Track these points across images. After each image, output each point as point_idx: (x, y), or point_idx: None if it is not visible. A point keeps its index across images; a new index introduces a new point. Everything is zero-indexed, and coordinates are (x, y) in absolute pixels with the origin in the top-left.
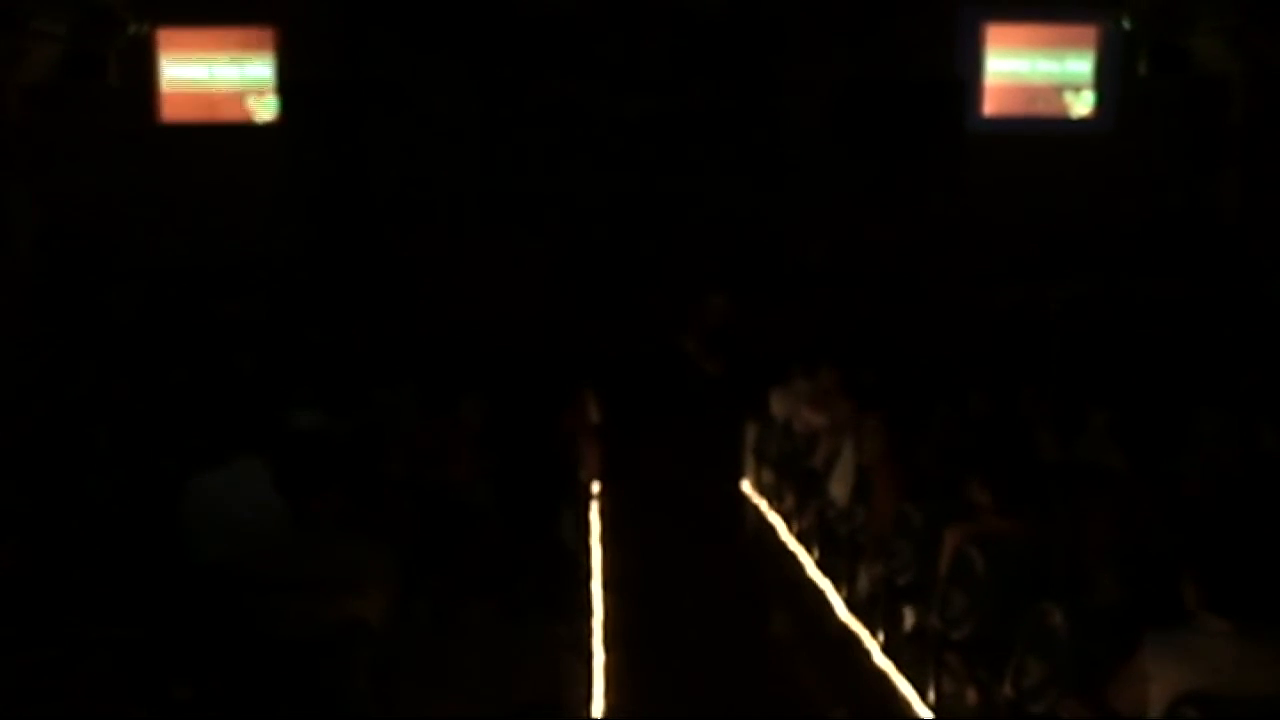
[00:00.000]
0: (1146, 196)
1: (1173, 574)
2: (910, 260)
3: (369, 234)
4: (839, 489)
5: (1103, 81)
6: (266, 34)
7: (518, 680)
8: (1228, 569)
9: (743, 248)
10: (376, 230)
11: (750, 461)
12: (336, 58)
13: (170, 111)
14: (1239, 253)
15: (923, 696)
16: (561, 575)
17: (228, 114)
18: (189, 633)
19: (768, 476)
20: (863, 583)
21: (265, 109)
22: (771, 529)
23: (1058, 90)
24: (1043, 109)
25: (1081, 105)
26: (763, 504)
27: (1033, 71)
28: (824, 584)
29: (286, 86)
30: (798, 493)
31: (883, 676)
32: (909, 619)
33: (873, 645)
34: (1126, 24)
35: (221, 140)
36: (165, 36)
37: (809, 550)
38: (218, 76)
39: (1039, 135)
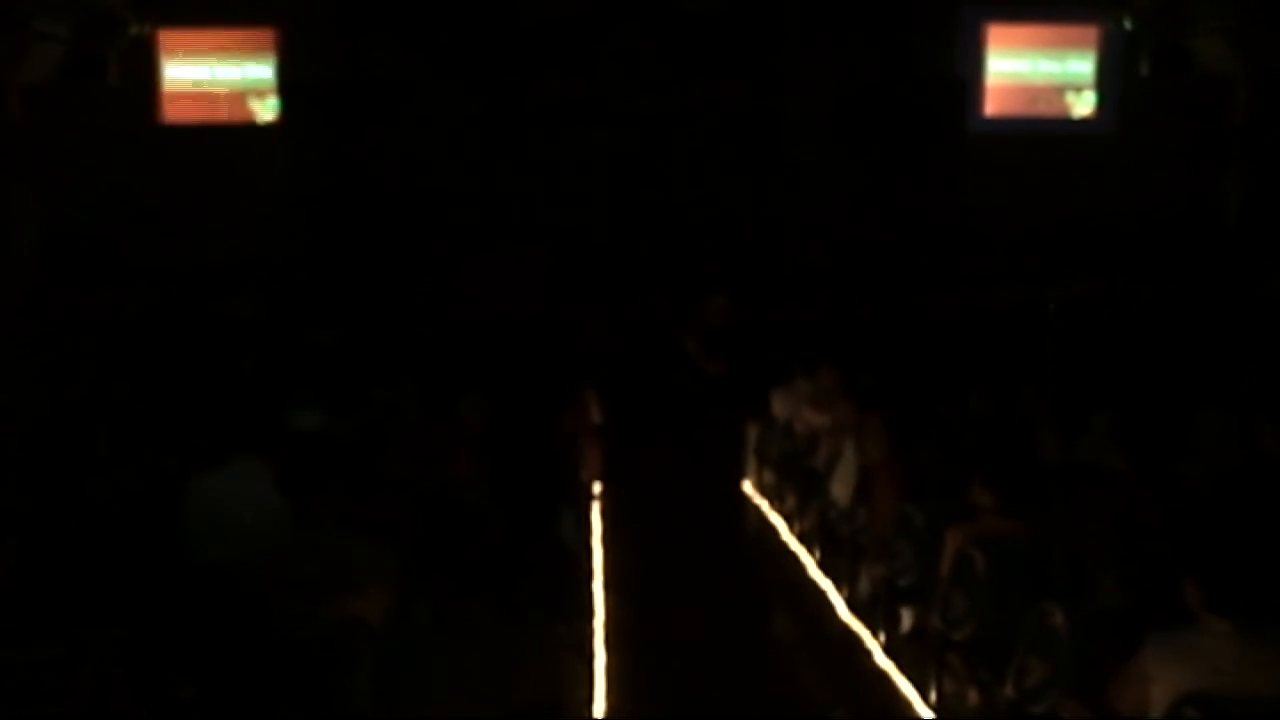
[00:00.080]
0: (1148, 197)
1: (1174, 575)
2: (911, 260)
3: (370, 234)
4: (840, 490)
5: (1104, 82)
6: (267, 35)
7: (518, 680)
8: (1229, 570)
9: (743, 248)
10: (377, 230)
11: (751, 462)
12: (337, 58)
13: (171, 112)
14: (1240, 253)
15: (924, 697)
16: (562, 575)
17: (229, 114)
18: (191, 633)
19: (769, 477)
20: (864, 583)
21: (266, 110)
22: (773, 529)
23: (1059, 91)
24: (1044, 109)
25: (1083, 106)
26: (764, 504)
27: (1034, 72)
28: (825, 585)
29: (287, 87)
30: (799, 493)
31: (884, 677)
32: (906, 621)
33: (874, 646)
34: (1128, 24)
35: (222, 141)
36: (166, 37)
37: (810, 551)
38: (218, 77)
39: (1040, 136)
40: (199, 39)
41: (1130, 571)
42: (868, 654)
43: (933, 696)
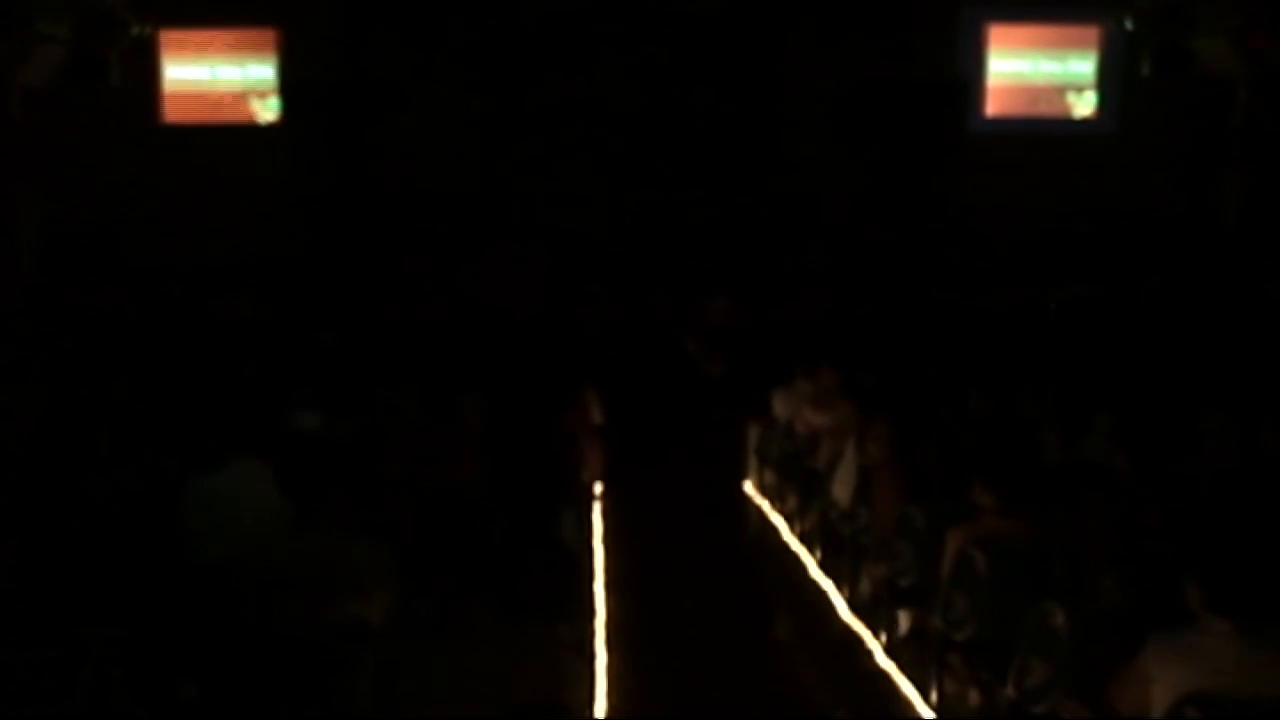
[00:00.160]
0: (1148, 197)
1: (1174, 575)
2: (912, 261)
3: (371, 234)
4: (841, 490)
5: (1105, 82)
6: (268, 35)
7: (519, 681)
8: (1230, 570)
9: (744, 248)
10: (378, 230)
11: (752, 462)
12: (338, 59)
13: (172, 112)
14: (1240, 253)
15: (925, 697)
16: (563, 576)
17: (230, 115)
18: (191, 633)
19: (770, 477)
20: (865, 584)
21: (267, 110)
22: (774, 530)
23: (1060, 91)
24: (1045, 109)
25: (1084, 106)
26: (765, 505)
27: (1035, 72)
28: (826, 585)
29: (288, 87)
30: (800, 494)
31: (885, 677)
32: (903, 623)
33: (875, 646)
34: (1129, 24)
35: (223, 141)
36: (167, 38)
37: (811, 551)
38: (220, 77)
39: (1041, 136)
40: (200, 39)
41: (1131, 572)
42: (869, 654)
43: (934, 697)
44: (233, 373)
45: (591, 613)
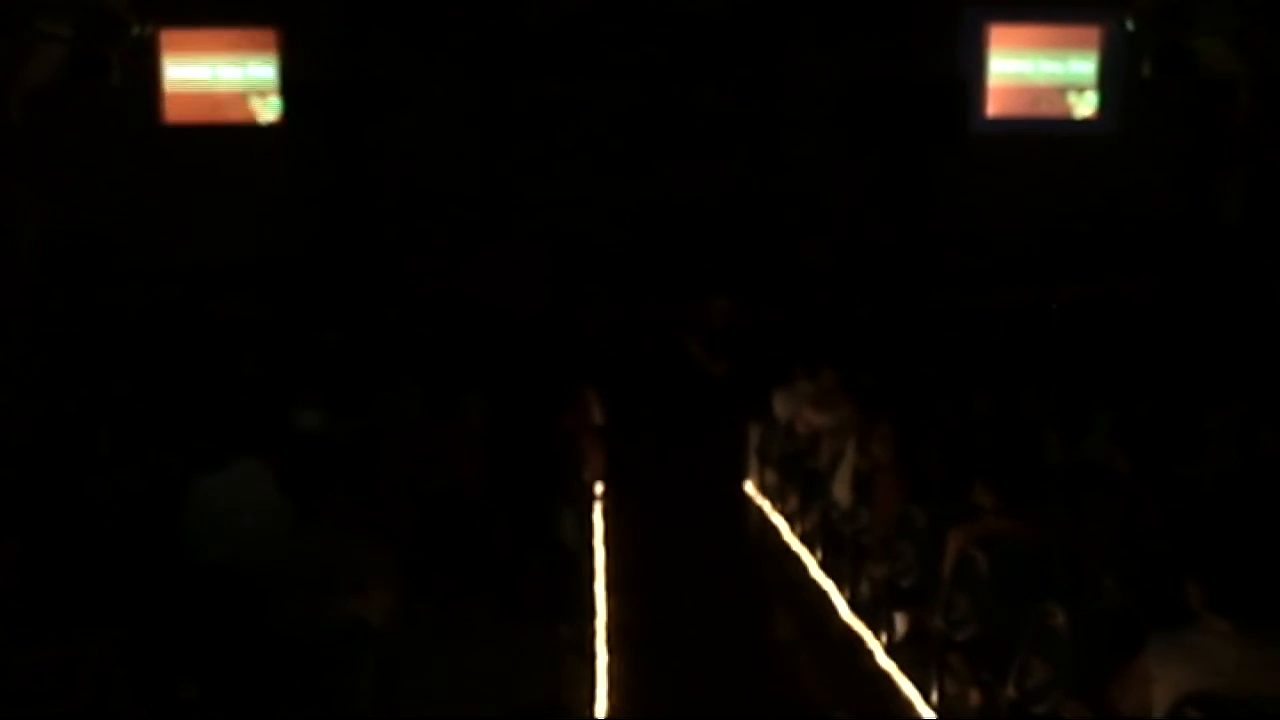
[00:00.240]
0: (1149, 197)
1: (1175, 575)
2: (913, 261)
3: (371, 234)
4: (842, 490)
5: (1106, 82)
6: (269, 35)
7: (520, 681)
8: (1231, 570)
9: (745, 248)
10: (379, 230)
11: (753, 463)
12: (339, 58)
13: (173, 112)
14: (1241, 254)
15: (926, 698)
16: (564, 576)
17: (231, 114)
18: (192, 633)
19: (771, 478)
20: (866, 584)
21: (268, 109)
22: (775, 530)
23: (1061, 91)
24: (1046, 110)
25: (1085, 106)
26: (766, 505)
27: (1036, 72)
28: (827, 585)
29: (289, 87)
30: (801, 494)
31: (886, 678)
32: (901, 625)
33: (876, 646)
34: (1130, 25)
35: (224, 141)
36: (168, 37)
37: (812, 552)
38: (220, 77)
39: (1042, 136)
40: (201, 39)
41: (1132, 572)
42: (869, 655)
43: (934, 697)
44: (233, 373)
45: (592, 613)
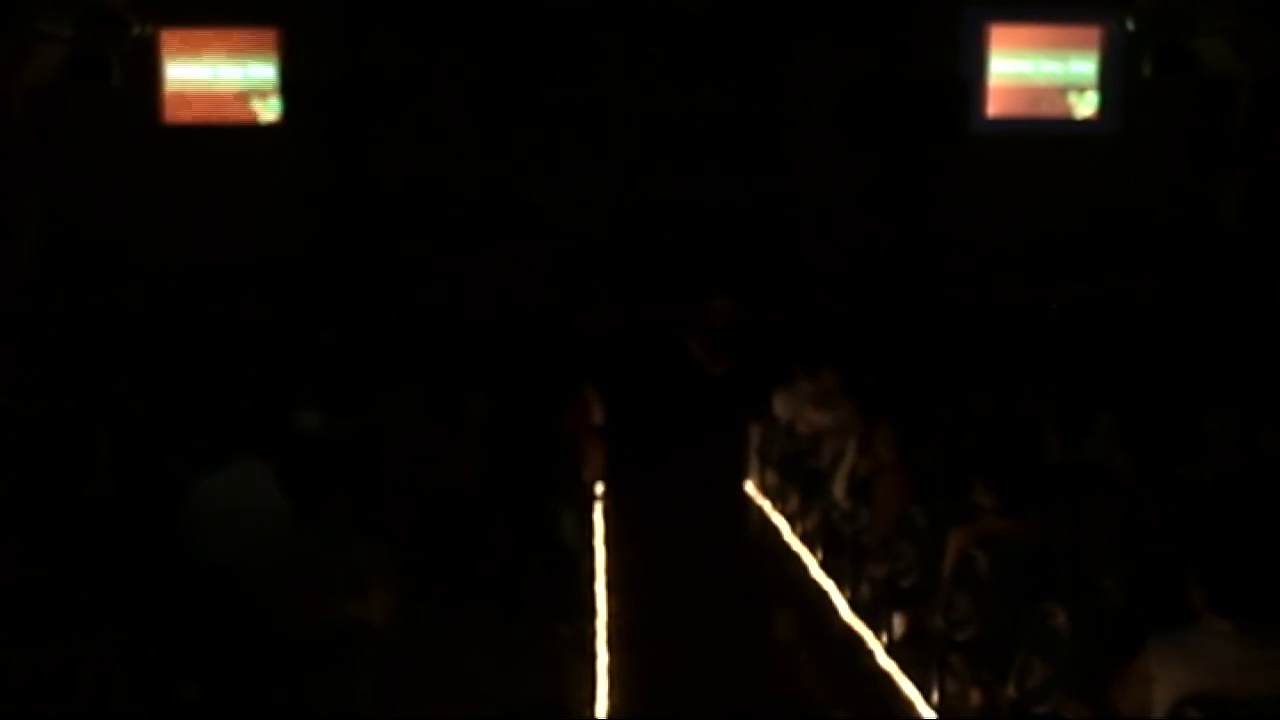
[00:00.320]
0: (1150, 198)
1: (1176, 575)
2: (914, 261)
3: (372, 234)
4: (842, 490)
5: (1106, 83)
6: (269, 35)
7: (520, 681)
8: (1232, 570)
9: (746, 249)
10: (379, 230)
11: (754, 463)
12: (339, 58)
13: (174, 112)
14: (1242, 254)
15: (926, 698)
16: (564, 576)
17: (231, 115)
18: (193, 633)
19: (771, 478)
20: (866, 585)
21: (268, 109)
22: (775, 530)
23: (1061, 91)
24: (1046, 110)
25: (1085, 106)
26: (766, 505)
27: (1036, 72)
28: (828, 585)
29: (290, 87)
30: (801, 494)
31: (886, 678)
32: (899, 626)
33: (876, 646)
34: (1130, 25)
35: (225, 141)
36: (169, 37)
37: (813, 552)
38: (221, 77)
39: (1043, 136)
40: (201, 39)
41: (1132, 572)
42: (870, 654)
43: (935, 697)
44: (234, 373)
45: (592, 613)
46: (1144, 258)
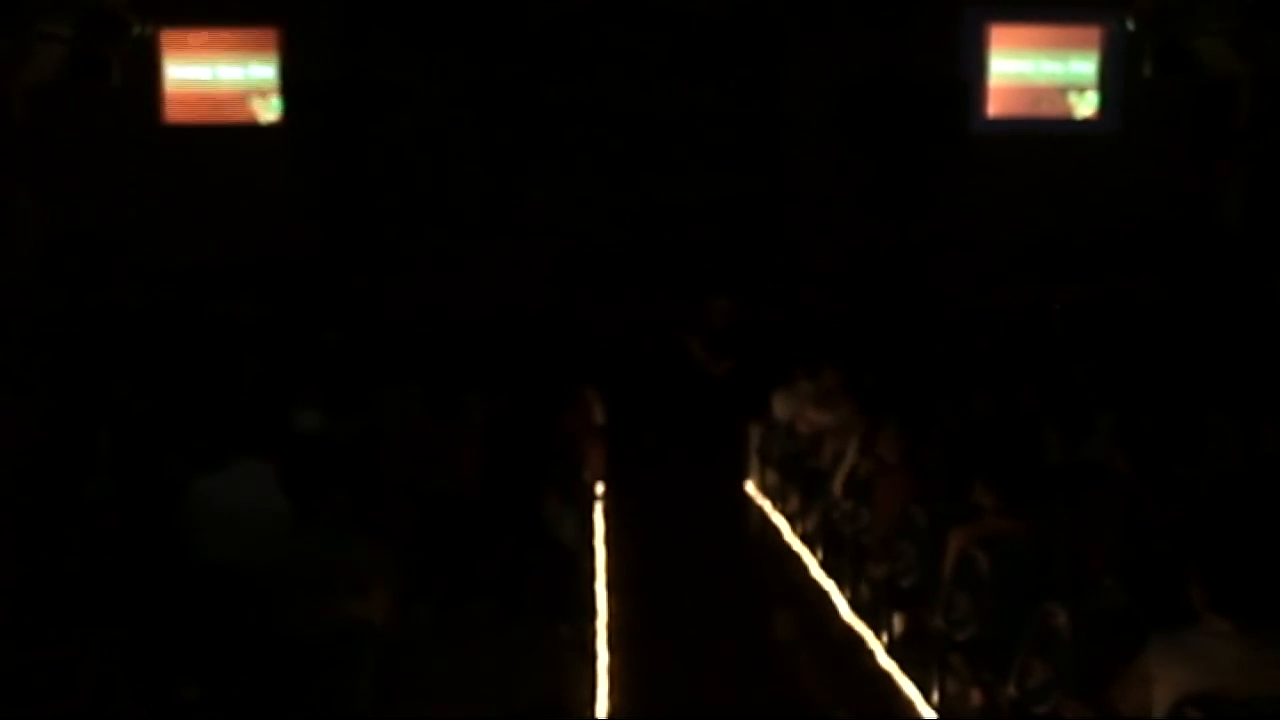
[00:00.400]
0: (1150, 198)
1: (1176, 575)
2: (914, 261)
3: (373, 234)
4: (841, 489)
5: (1107, 83)
6: (270, 34)
7: (520, 681)
8: (1232, 570)
9: (746, 248)
10: (379, 230)
11: (754, 463)
12: (340, 58)
13: (174, 112)
14: (1242, 254)
15: (927, 698)
16: (563, 576)
17: (231, 115)
18: (193, 634)
19: (771, 478)
20: (866, 585)
21: (269, 109)
22: (775, 530)
23: (1062, 91)
24: (1047, 110)
25: (1085, 106)
26: (767, 505)
27: (1036, 72)
28: (828, 585)
29: (290, 87)
30: (802, 494)
31: (887, 677)
32: (897, 626)
33: (877, 646)
34: (1130, 25)
35: (225, 141)
36: (169, 37)
37: (813, 552)
38: (221, 77)
39: (1043, 136)
40: (201, 39)
41: (1132, 572)
42: (870, 654)
43: (935, 697)
44: (234, 373)
45: (592, 613)
46: (1144, 258)
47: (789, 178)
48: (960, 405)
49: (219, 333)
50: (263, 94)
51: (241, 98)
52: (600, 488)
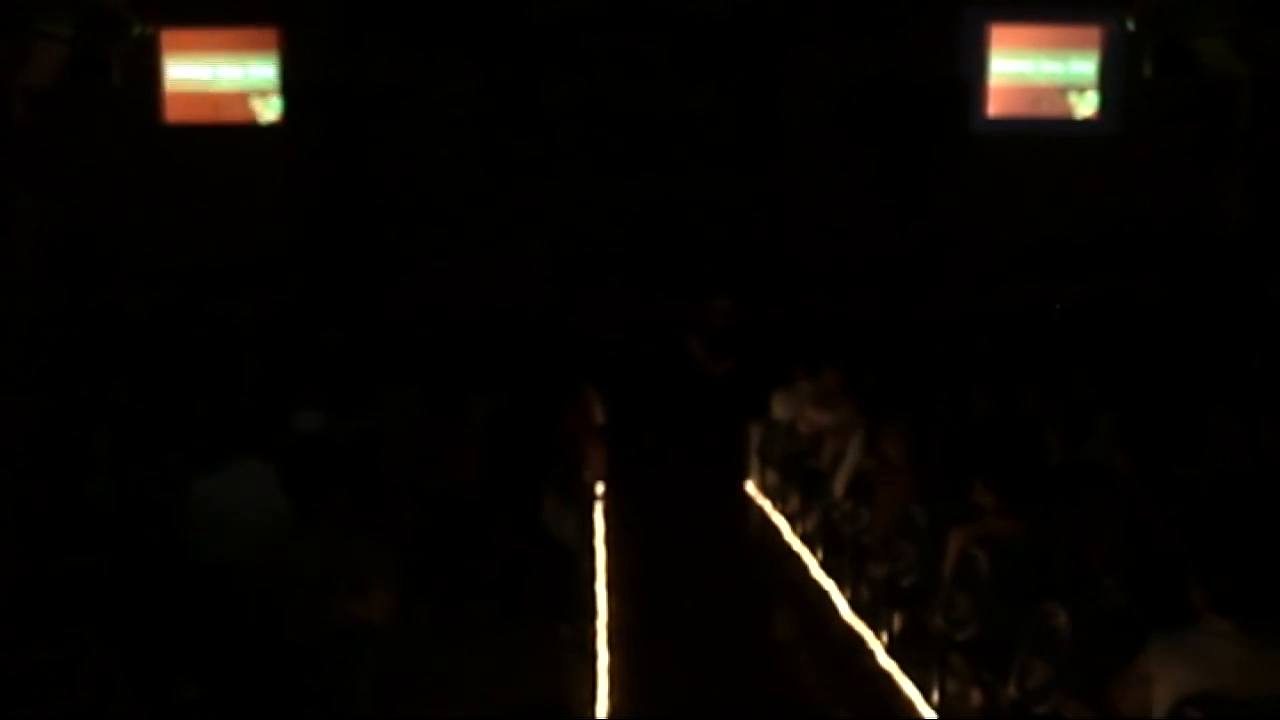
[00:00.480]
0: (1150, 198)
1: (1176, 575)
2: (914, 261)
3: (372, 234)
4: (842, 490)
5: (1107, 83)
6: (270, 34)
7: (521, 681)
8: (1232, 570)
9: (746, 248)
10: (380, 230)
11: (754, 463)
12: (340, 58)
13: (174, 112)
14: (1243, 255)
15: (927, 697)
16: (563, 576)
17: (231, 115)
18: (194, 634)
19: (772, 478)
20: (866, 585)
21: (269, 109)
22: (776, 530)
23: (1062, 91)
24: (1047, 110)
25: (1085, 106)
26: (767, 505)
27: (1037, 72)
28: (828, 585)
29: (290, 87)
30: (802, 494)
31: (887, 677)
32: (896, 623)
33: (877, 646)
34: (1131, 25)
35: (225, 141)
36: (169, 37)
37: (813, 552)
38: (221, 77)
39: (1043, 136)
40: (202, 39)
41: (1132, 572)
42: (870, 654)
43: (935, 697)
44: (234, 373)
45: (593, 613)
46: (1144, 258)
47: (789, 178)
48: (960, 405)
49: (219, 333)
50: (263, 94)
51: (241, 98)
52: (600, 488)
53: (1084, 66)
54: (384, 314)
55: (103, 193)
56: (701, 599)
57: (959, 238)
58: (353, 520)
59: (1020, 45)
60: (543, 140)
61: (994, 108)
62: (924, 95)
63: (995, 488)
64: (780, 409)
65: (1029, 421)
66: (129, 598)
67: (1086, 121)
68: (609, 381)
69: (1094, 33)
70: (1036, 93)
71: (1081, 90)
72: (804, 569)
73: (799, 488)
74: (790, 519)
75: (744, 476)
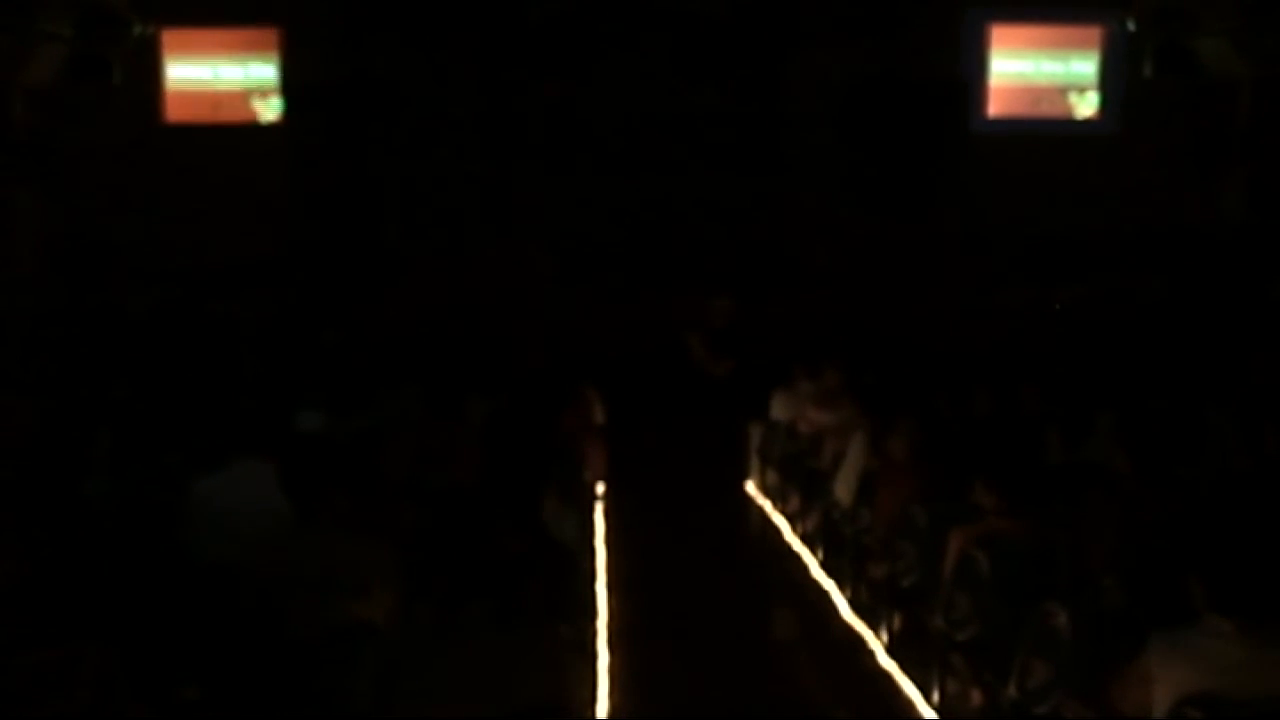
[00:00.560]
0: (1151, 198)
1: (1177, 575)
2: (915, 261)
3: (373, 234)
4: (844, 490)
5: (1107, 83)
6: (270, 34)
7: (521, 681)
8: (1232, 570)
9: (747, 249)
10: (379, 230)
11: (754, 463)
12: (341, 58)
13: (174, 112)
14: (1243, 255)
15: (927, 698)
16: (564, 576)
17: (232, 114)
18: (194, 634)
19: (772, 478)
20: (866, 585)
21: (269, 109)
22: (776, 530)
23: (1062, 91)
24: (1047, 110)
25: (1086, 107)
26: (767, 505)
27: (1037, 73)
28: (828, 585)
29: (291, 87)
30: (802, 494)
31: (887, 677)
32: (896, 623)
33: (877, 646)
34: (1131, 25)
35: (226, 141)
36: (169, 37)
37: (814, 552)
38: (222, 77)
39: (1043, 136)
40: (202, 38)
41: (1132, 572)
42: (871, 654)
43: (935, 697)
44: (234, 373)
45: (593, 613)
46: (1144, 258)
47: (789, 178)
48: (960, 405)
49: (219, 333)
50: (263, 94)
51: (242, 98)
52: (600, 488)
53: (1084, 66)
54: (384, 314)
55: (103, 193)
56: (702, 599)
57: (959, 238)
58: (353, 520)
59: (1020, 45)
60: (543, 140)
61: (994, 108)
62: (924, 95)
63: (995, 488)
64: (780, 409)
65: (1029, 421)
66: (129, 598)
67: (1087, 121)
68: (609, 381)
69: (1094, 33)
70: (1037, 93)
71: (1082, 90)
72: (804, 569)
73: (799, 488)
74: (790, 519)
75: (744, 476)
